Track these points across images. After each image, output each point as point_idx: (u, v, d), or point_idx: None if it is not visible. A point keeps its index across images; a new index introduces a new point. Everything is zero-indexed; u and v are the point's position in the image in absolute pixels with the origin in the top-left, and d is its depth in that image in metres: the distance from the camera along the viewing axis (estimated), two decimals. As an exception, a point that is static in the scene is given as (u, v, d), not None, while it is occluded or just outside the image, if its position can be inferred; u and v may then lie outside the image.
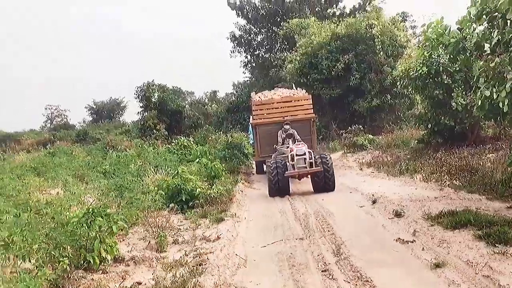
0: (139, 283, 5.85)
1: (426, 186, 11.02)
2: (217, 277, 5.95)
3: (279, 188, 12.26)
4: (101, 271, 6.11)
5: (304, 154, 12.37)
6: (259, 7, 38.86)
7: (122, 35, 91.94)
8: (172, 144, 21.06)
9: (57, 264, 5.79)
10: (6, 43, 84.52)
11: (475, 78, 8.45)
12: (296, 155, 12.39)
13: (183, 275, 5.94)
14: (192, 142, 20.39)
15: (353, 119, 25.00)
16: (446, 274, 5.64)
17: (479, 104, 7.99)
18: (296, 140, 14.76)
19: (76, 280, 5.61)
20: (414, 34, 32.23)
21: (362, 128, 22.00)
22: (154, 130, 27.34)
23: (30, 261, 5.73)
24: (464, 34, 8.70)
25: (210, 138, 24.31)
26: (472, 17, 7.51)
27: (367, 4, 38.68)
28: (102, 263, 6.22)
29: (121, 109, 59.54)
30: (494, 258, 5.79)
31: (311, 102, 17.36)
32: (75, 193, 10.63)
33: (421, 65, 14.66)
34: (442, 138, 16.17)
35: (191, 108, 34.42)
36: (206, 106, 43.17)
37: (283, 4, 38.09)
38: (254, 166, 18.71)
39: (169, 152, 18.85)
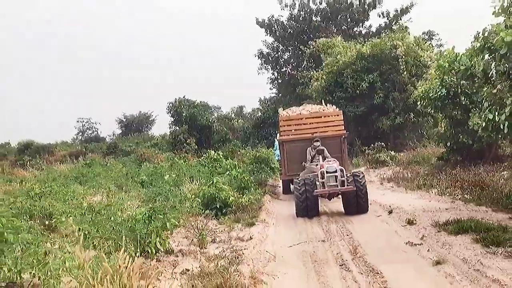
0: (188, 270, 7.19)
1: (440, 199, 12.15)
2: (252, 266, 7.25)
3: (307, 208, 11.65)
4: (155, 260, 7.49)
5: (336, 171, 11.66)
6: (287, 26, 40.57)
7: (151, 50, 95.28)
8: (203, 157, 22.57)
9: (121, 252, 7.21)
10: (38, 55, 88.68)
11: (483, 102, 9.65)
12: (327, 172, 11.68)
13: (223, 264, 7.27)
14: (221, 156, 21.82)
15: (376, 136, 26.06)
16: (444, 269, 6.81)
17: (483, 125, 9.16)
18: (327, 157, 13.83)
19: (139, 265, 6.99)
20: (440, 52, 33.24)
21: (384, 145, 23.07)
22: (185, 144, 28.99)
23: (101, 249, 7.20)
24: (472, 62, 9.88)
25: (238, 153, 25.73)
26: (476, 50, 8.75)
27: (393, 23, 39.99)
28: (156, 254, 7.61)
29: (150, 122, 61.63)
30: (486, 256, 6.97)
31: (342, 118, 16.87)
32: (122, 198, 12.19)
33: (440, 87, 15.81)
34: (460, 156, 17.18)
35: (219, 123, 36.03)
36: (233, 121, 44.82)
37: (310, 23, 39.69)
38: (280, 182, 18.58)
39: (200, 165, 20.35)
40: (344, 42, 32.17)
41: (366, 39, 34.87)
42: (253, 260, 7.68)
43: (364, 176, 12.16)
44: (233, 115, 52.39)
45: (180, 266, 7.38)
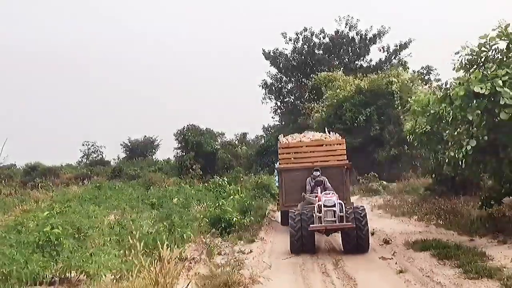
0: (199, 273, 9.16)
1: (417, 224, 14.17)
2: (251, 271, 9.18)
3: (302, 244, 11.16)
4: (173, 264, 9.46)
5: (334, 205, 10.95)
6: (290, 58, 43.24)
7: (154, 74, 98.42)
8: (209, 182, 24.66)
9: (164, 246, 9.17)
10: (42, 77, 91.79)
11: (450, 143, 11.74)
12: (324, 206, 11.00)
13: (228, 270, 9.23)
14: (226, 182, 23.92)
15: (373, 167, 28.08)
16: (405, 276, 8.78)
17: (447, 161, 11.23)
18: (327, 189, 13.19)
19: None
20: (438, 87, 35.47)
21: (377, 175, 25.09)
22: (191, 170, 31.14)
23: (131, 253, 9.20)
24: (440, 108, 11.98)
25: (241, 179, 27.82)
26: (440, 99, 10.91)
27: (393, 57, 42.58)
28: (174, 259, 9.58)
29: (154, 147, 63.65)
30: (437, 267, 8.99)
31: (345, 148, 16.02)
32: (140, 217, 14.19)
33: (425, 124, 17.88)
34: (445, 187, 19.12)
35: (223, 150, 38.20)
36: (236, 148, 46.99)
37: (313, 56, 42.32)
38: (278, 208, 18.20)
39: (206, 190, 22.41)
40: (344, 76, 34.56)
41: (366, 73, 37.29)
42: (252, 267, 9.65)
43: (366, 212, 11.38)
44: (236, 142, 54.42)
45: (193, 270, 9.37)
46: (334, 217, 10.89)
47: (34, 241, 8.13)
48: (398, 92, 28.41)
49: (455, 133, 10.92)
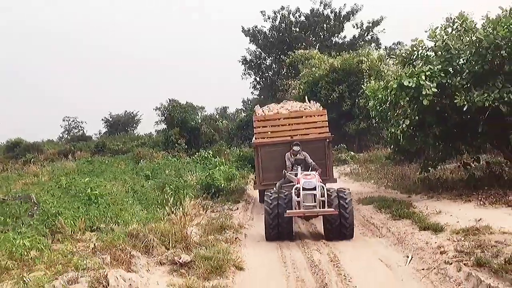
0: (199, 223, 12.57)
1: (372, 186, 17.86)
2: (238, 221, 12.64)
3: (278, 230, 10.45)
4: (178, 218, 12.84)
5: (314, 188, 10.20)
6: (269, 35, 46.25)
7: (134, 52, 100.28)
8: (195, 156, 27.99)
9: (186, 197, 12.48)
10: (23, 52, 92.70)
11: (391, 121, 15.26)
12: (303, 189, 10.23)
13: (222, 220, 12.65)
14: (211, 155, 27.27)
15: (344, 139, 31.74)
16: (352, 221, 12.35)
17: (389, 136, 14.77)
18: (310, 167, 12.75)
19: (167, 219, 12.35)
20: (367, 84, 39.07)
21: (346, 147, 28.76)
22: (176, 144, 34.35)
23: (147, 209, 12.55)
24: (385, 93, 15.42)
25: (225, 152, 31.20)
26: (382, 88, 14.37)
27: (366, 34, 45.94)
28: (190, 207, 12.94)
29: (136, 122, 66.40)
30: (376, 214, 12.61)
31: (326, 119, 15.25)
32: (143, 185, 17.47)
33: (385, 101, 21.40)
34: (402, 156, 22.82)
35: (206, 125, 41.32)
36: (217, 122, 50.15)
37: (290, 34, 45.39)
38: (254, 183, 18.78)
39: (194, 162, 25.74)
40: (319, 54, 37.86)
41: (341, 49, 40.63)
42: (239, 218, 13.12)
43: (350, 193, 10.64)
44: (217, 116, 57.50)
45: (194, 222, 12.75)
46: (315, 201, 10.13)
47: (80, 201, 11.39)
48: (368, 71, 31.89)
49: (395, 114, 14.41)
